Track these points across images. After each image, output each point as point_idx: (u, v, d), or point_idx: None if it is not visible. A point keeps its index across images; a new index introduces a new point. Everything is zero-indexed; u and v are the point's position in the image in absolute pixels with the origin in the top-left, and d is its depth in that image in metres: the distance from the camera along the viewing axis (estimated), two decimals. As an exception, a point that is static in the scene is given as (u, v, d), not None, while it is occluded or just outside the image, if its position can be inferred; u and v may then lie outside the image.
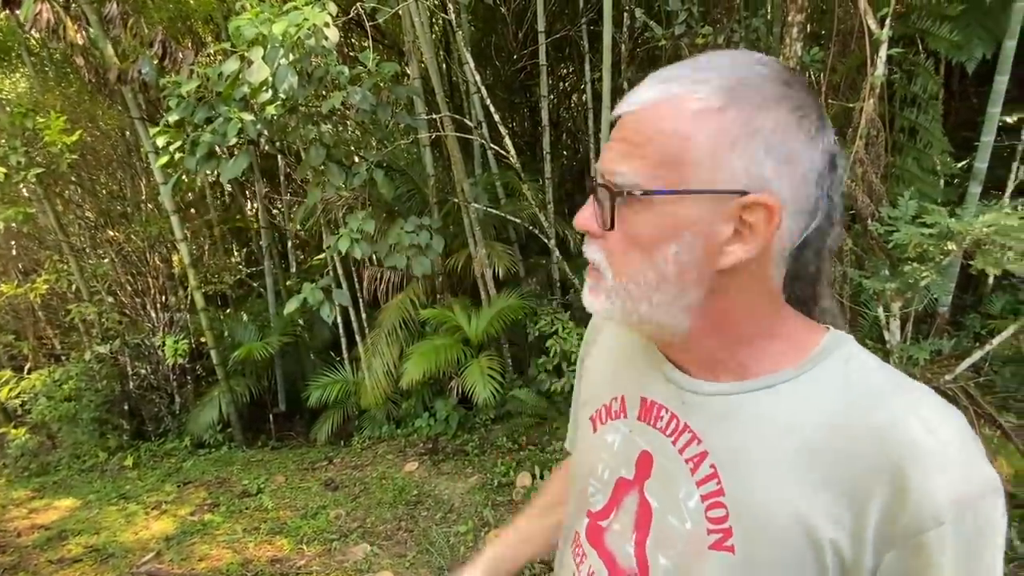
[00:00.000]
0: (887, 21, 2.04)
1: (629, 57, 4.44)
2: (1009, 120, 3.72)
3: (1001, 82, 2.66)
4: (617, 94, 4.63)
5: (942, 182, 3.20)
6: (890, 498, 0.42)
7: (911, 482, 0.41)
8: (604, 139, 3.97)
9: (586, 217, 0.50)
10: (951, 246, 1.72)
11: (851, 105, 2.24)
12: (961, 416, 0.44)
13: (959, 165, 3.47)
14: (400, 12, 4.03)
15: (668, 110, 0.45)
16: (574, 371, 4.30)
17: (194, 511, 3.59)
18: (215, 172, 3.09)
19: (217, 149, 3.20)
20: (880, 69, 2.05)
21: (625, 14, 4.13)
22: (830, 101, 2.42)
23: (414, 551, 2.92)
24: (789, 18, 2.43)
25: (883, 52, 2.05)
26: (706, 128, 0.44)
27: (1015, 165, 3.10)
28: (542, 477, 3.38)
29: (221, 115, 2.83)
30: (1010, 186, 2.61)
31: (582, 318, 4.38)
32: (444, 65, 5.38)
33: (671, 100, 0.45)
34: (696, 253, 0.46)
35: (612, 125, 0.50)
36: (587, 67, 4.65)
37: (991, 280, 3.83)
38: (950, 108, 3.85)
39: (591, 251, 0.51)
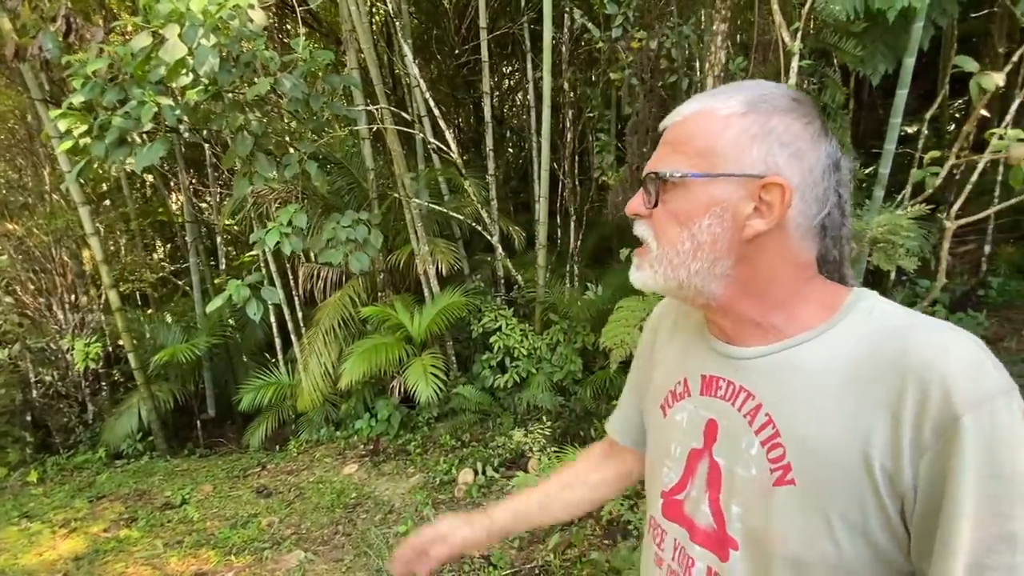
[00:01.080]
0: (798, 34, 2.18)
1: (570, 57, 4.51)
2: (909, 130, 4.10)
3: (902, 96, 2.90)
4: (558, 93, 4.69)
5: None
6: (915, 411, 0.49)
7: (930, 393, 0.48)
8: (546, 139, 4.00)
9: (635, 203, 0.62)
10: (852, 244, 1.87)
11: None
12: (972, 340, 0.51)
13: (866, 171, 3.78)
14: (336, -1, 3.89)
15: (704, 116, 0.58)
16: (517, 366, 4.28)
17: (108, 527, 3.32)
18: (127, 160, 2.84)
19: (135, 135, 2.95)
20: (792, 79, 2.20)
21: (565, 15, 4.18)
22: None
23: (351, 555, 2.84)
24: (714, 27, 2.55)
25: (795, 64, 2.19)
26: (732, 127, 0.56)
27: (913, 171, 3.40)
28: (484, 473, 3.38)
29: (134, 98, 2.61)
30: (907, 190, 2.87)
31: (525, 315, 4.42)
32: (385, 57, 5.24)
33: (707, 109, 0.58)
34: (725, 225, 0.57)
35: (660, 135, 0.63)
36: (529, 66, 4.68)
37: (892, 276, 4.20)
38: (859, 118, 4.19)
39: (640, 229, 0.62)
